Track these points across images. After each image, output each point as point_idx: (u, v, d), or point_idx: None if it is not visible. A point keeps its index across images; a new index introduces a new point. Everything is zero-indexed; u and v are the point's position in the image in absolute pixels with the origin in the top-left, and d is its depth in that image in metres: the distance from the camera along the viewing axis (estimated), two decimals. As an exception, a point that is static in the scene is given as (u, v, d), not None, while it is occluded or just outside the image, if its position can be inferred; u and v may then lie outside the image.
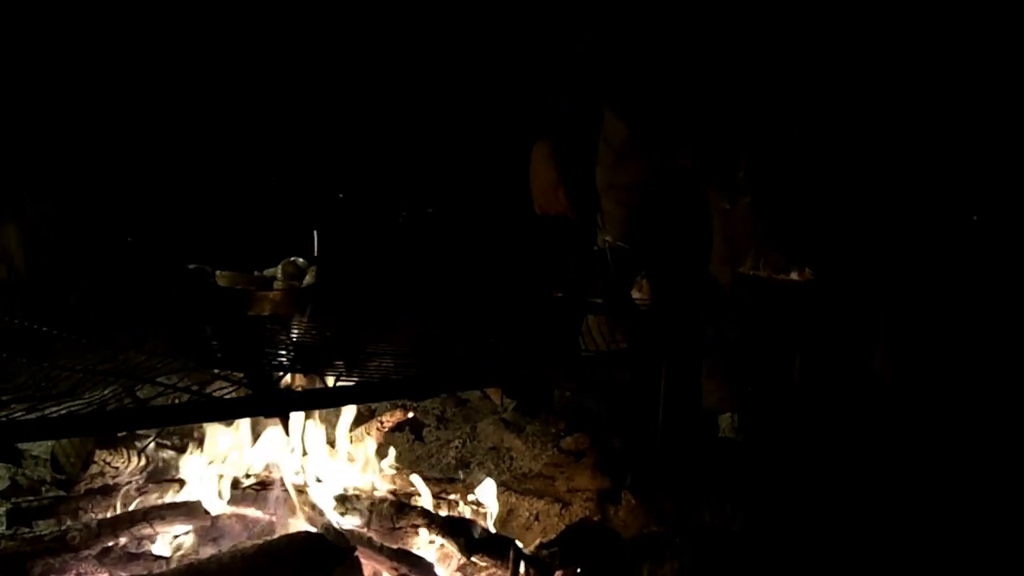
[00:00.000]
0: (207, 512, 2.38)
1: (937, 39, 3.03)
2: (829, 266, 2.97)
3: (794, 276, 2.72)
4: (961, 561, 2.24)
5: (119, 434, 2.52)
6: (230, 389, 1.88)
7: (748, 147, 2.82)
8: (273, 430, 2.61)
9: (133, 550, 2.26)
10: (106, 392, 1.84)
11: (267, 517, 2.44)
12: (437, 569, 2.26)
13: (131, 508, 2.41)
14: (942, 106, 3.08)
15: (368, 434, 2.81)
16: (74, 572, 2.19)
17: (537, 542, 2.39)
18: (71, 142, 3.60)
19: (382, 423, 2.85)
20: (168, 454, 2.65)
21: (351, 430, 2.86)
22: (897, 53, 2.98)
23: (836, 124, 3.00)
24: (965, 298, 3.17)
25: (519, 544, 2.26)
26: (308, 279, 2.20)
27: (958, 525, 2.40)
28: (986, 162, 3.16)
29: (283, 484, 2.50)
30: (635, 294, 2.47)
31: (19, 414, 1.65)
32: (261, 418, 2.56)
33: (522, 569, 2.17)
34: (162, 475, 2.60)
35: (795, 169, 2.90)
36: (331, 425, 2.75)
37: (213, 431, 2.68)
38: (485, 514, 2.60)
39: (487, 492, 2.62)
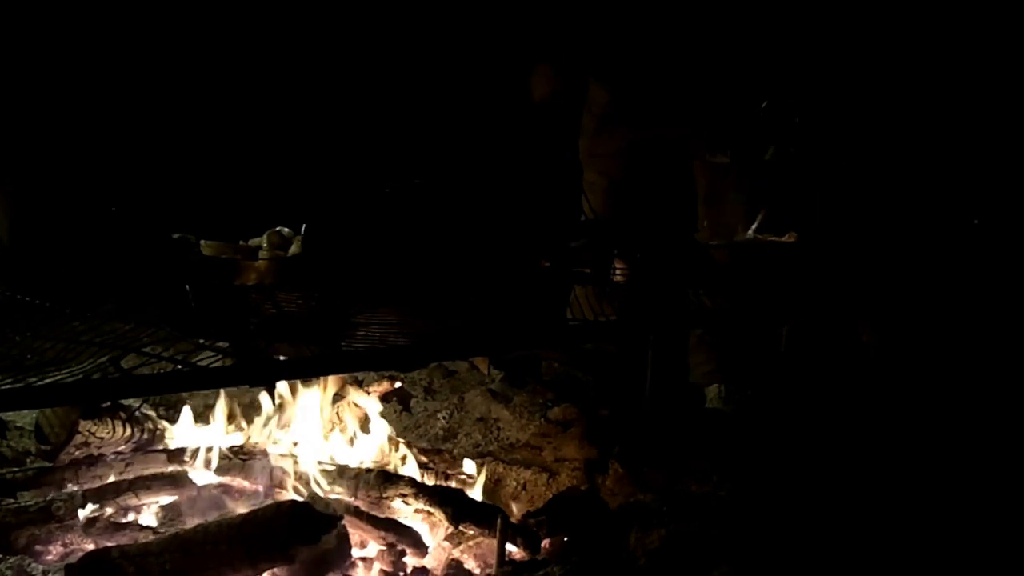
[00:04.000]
0: (193, 482, 2.37)
1: (939, 30, 3.03)
2: (819, 238, 2.99)
3: (787, 238, 2.75)
4: (945, 536, 2.25)
5: (104, 404, 2.50)
6: (215, 358, 1.87)
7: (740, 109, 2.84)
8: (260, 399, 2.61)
9: (119, 520, 2.25)
10: (90, 362, 1.83)
11: (254, 487, 2.44)
12: (424, 538, 2.26)
13: (116, 478, 2.40)
14: (935, 90, 3.08)
15: (356, 404, 2.81)
16: (59, 542, 2.19)
17: (525, 511, 2.40)
18: (55, 112, 3.56)
19: (369, 393, 2.84)
20: (154, 424, 2.64)
21: (339, 400, 2.86)
22: (898, 34, 2.99)
23: (833, 100, 3.01)
24: (953, 273, 3.18)
25: (507, 513, 2.26)
26: (294, 249, 2.18)
27: (943, 497, 2.42)
28: (978, 149, 3.17)
29: (269, 453, 2.50)
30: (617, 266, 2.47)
31: (2, 384, 1.64)
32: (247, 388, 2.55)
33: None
34: (148, 445, 2.59)
35: (796, 139, 2.91)
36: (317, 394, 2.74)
37: (199, 401, 2.67)
38: (471, 483, 2.61)
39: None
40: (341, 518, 2.11)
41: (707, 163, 3.04)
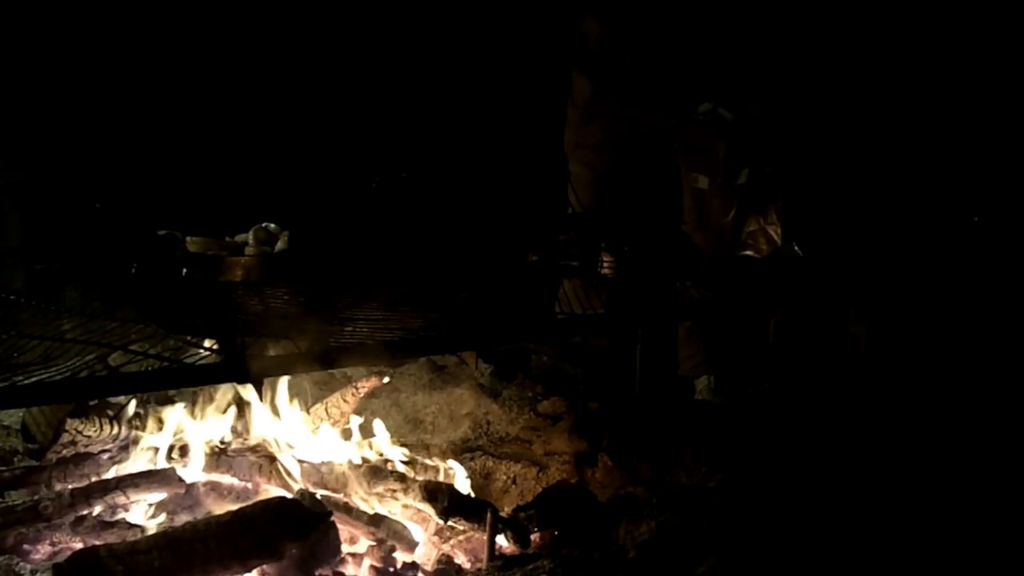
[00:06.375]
0: (181, 480, 2.36)
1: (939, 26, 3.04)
2: (808, 232, 3.01)
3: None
4: (935, 527, 2.26)
5: (91, 402, 2.49)
6: (202, 355, 1.87)
7: (730, 131, 2.87)
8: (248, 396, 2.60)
9: (107, 519, 2.24)
10: (77, 360, 1.82)
11: (242, 484, 2.43)
12: (414, 533, 2.25)
13: (104, 477, 2.39)
14: (918, 88, 3.09)
15: (344, 400, 2.80)
16: (47, 541, 2.18)
17: (515, 505, 2.40)
18: (39, 109, 3.54)
19: (357, 388, 2.84)
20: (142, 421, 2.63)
21: (327, 396, 2.85)
22: (894, 34, 2.99)
23: (831, 97, 3.02)
24: (939, 266, 3.19)
25: (496, 507, 2.26)
26: (280, 244, 2.17)
27: (933, 488, 2.42)
28: (977, 147, 3.18)
29: (258, 450, 2.49)
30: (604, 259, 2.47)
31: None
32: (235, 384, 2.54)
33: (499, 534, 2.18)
34: (136, 443, 2.58)
35: (789, 152, 2.95)
36: (306, 391, 2.74)
37: (185, 399, 2.66)
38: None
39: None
40: (330, 514, 2.11)
41: (691, 188, 3.08)
